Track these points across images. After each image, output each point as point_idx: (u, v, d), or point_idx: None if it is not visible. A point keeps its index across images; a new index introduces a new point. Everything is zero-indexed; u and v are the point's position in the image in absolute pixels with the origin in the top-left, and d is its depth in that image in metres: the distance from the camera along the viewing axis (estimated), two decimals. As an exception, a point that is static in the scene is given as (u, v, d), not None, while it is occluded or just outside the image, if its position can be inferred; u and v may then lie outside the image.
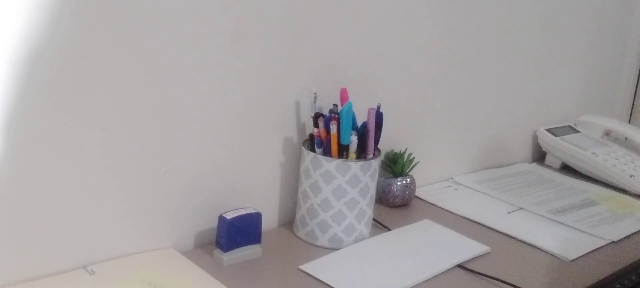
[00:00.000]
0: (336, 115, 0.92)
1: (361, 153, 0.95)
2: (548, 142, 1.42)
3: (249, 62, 0.90)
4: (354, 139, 0.93)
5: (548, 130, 1.43)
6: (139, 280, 0.78)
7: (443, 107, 1.22)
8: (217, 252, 0.87)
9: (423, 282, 0.87)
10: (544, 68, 1.42)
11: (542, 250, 0.99)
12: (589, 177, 1.36)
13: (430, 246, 0.97)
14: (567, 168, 1.40)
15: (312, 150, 0.93)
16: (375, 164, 0.94)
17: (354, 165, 0.91)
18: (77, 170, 0.77)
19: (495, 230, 1.05)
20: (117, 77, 0.78)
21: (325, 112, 0.94)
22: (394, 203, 1.10)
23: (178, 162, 0.86)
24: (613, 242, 1.05)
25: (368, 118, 0.95)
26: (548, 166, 1.42)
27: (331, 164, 0.91)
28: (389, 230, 1.01)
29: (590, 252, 1.01)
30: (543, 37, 1.39)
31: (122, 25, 0.77)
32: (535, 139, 1.45)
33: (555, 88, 1.48)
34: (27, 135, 0.73)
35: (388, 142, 1.09)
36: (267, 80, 0.93)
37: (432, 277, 0.88)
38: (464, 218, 1.09)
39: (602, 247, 1.03)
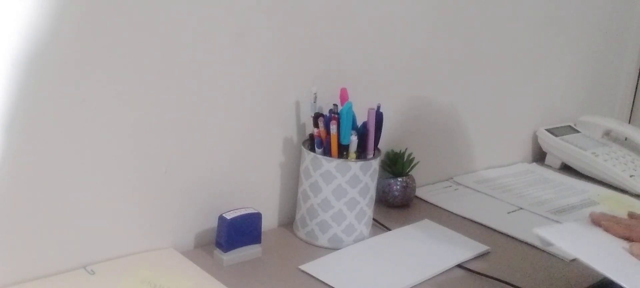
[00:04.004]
0: (336, 115, 0.92)
1: (361, 153, 0.95)
2: (548, 142, 1.42)
3: (250, 62, 0.90)
4: (354, 139, 0.93)
5: (548, 130, 1.43)
6: (139, 280, 0.78)
7: (443, 107, 1.22)
8: (217, 252, 0.87)
9: (423, 282, 0.87)
10: (544, 68, 1.42)
11: (542, 250, 0.99)
12: (589, 177, 1.36)
13: (430, 246, 0.97)
14: (567, 168, 1.40)
15: (312, 150, 0.93)
16: (375, 164, 0.94)
17: (354, 165, 0.91)
18: (77, 170, 0.77)
19: (495, 230, 1.05)
20: (117, 78, 0.78)
21: (325, 112, 0.94)
22: (394, 203, 1.10)
23: (178, 162, 0.86)
24: (613, 242, 1.05)
25: (368, 118, 0.95)
26: (548, 166, 1.42)
27: (331, 164, 0.91)
28: (389, 230, 1.01)
29: (590, 252, 1.01)
30: (543, 37, 1.39)
31: (122, 27, 0.77)
32: (535, 138, 1.45)
33: (555, 88, 1.48)
34: (27, 136, 0.73)
35: (388, 142, 1.09)
36: (268, 80, 0.93)
37: (432, 277, 0.88)
38: (464, 218, 1.09)
39: (602, 247, 1.03)
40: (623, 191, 1.30)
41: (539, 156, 1.46)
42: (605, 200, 1.24)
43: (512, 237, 1.03)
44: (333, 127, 0.91)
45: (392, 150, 1.11)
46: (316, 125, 0.93)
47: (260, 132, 0.94)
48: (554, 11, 1.40)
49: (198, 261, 0.85)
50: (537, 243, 0.80)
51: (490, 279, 0.89)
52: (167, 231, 0.88)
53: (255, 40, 0.90)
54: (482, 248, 0.97)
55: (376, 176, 0.96)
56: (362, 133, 0.94)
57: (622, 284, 0.71)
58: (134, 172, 0.82)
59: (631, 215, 0.91)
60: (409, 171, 1.11)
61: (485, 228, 1.06)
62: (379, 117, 0.95)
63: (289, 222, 1.01)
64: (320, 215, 0.93)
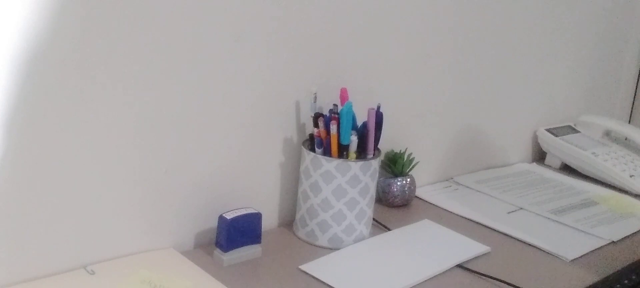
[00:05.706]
0: (336, 115, 0.92)
1: (361, 153, 0.95)
2: (548, 142, 1.42)
3: (250, 62, 0.90)
4: (354, 139, 0.93)
5: (548, 130, 1.43)
6: (139, 280, 0.78)
7: (443, 107, 1.22)
8: (217, 252, 0.87)
9: (423, 282, 0.87)
10: (544, 68, 1.42)
11: (542, 250, 0.99)
12: (589, 177, 1.36)
13: (430, 246, 0.97)
14: (567, 168, 1.40)
15: (312, 150, 0.93)
16: (375, 164, 0.94)
17: (354, 165, 0.91)
18: (77, 170, 0.77)
19: (495, 230, 1.05)
20: (117, 78, 0.78)
21: (325, 112, 0.94)
22: (394, 203, 1.10)
23: (178, 162, 0.86)
24: (613, 242, 1.05)
25: (368, 118, 0.95)
26: (548, 166, 1.42)
27: (331, 164, 0.91)
28: (389, 230, 1.01)
29: (590, 252, 1.01)
30: (543, 37, 1.39)
31: (123, 27, 0.77)
32: (535, 138, 1.45)
33: (555, 88, 1.48)
34: (27, 135, 0.73)
35: (388, 142, 1.09)
36: (268, 80, 0.93)
37: (432, 277, 0.88)
38: (464, 218, 1.09)
39: (602, 247, 1.03)
40: (623, 191, 1.30)
41: (539, 156, 1.46)
42: (605, 200, 1.24)
43: (512, 237, 1.03)
44: (333, 127, 0.91)
45: (392, 150, 1.11)
46: (316, 125, 0.93)
47: (260, 132, 0.94)
48: (554, 11, 1.40)
49: (198, 261, 0.85)
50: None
51: (490, 279, 0.89)
52: (167, 231, 0.88)
53: (256, 40, 0.90)
54: (482, 248, 0.97)
55: (376, 176, 0.96)
56: (362, 133, 0.94)
57: None
58: (134, 172, 0.82)
59: None
60: (409, 171, 1.11)
61: (485, 228, 1.06)
62: (379, 117, 0.95)
63: (289, 222, 1.01)
64: (320, 215, 0.93)
